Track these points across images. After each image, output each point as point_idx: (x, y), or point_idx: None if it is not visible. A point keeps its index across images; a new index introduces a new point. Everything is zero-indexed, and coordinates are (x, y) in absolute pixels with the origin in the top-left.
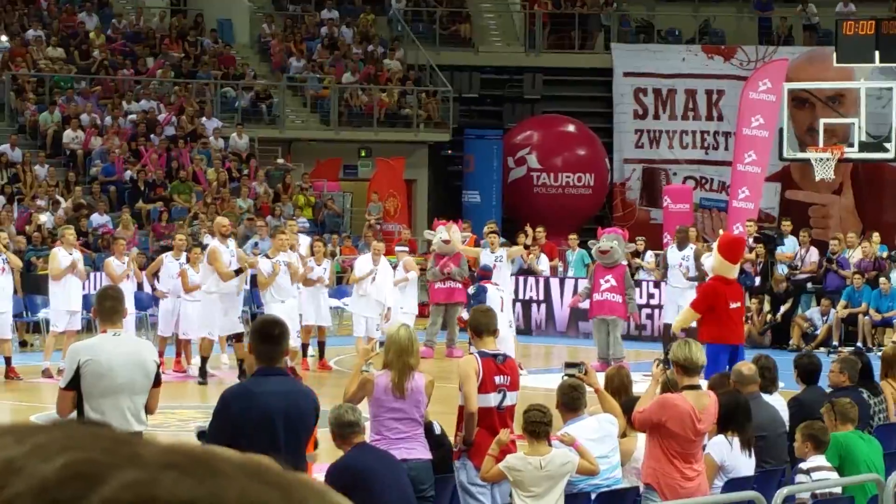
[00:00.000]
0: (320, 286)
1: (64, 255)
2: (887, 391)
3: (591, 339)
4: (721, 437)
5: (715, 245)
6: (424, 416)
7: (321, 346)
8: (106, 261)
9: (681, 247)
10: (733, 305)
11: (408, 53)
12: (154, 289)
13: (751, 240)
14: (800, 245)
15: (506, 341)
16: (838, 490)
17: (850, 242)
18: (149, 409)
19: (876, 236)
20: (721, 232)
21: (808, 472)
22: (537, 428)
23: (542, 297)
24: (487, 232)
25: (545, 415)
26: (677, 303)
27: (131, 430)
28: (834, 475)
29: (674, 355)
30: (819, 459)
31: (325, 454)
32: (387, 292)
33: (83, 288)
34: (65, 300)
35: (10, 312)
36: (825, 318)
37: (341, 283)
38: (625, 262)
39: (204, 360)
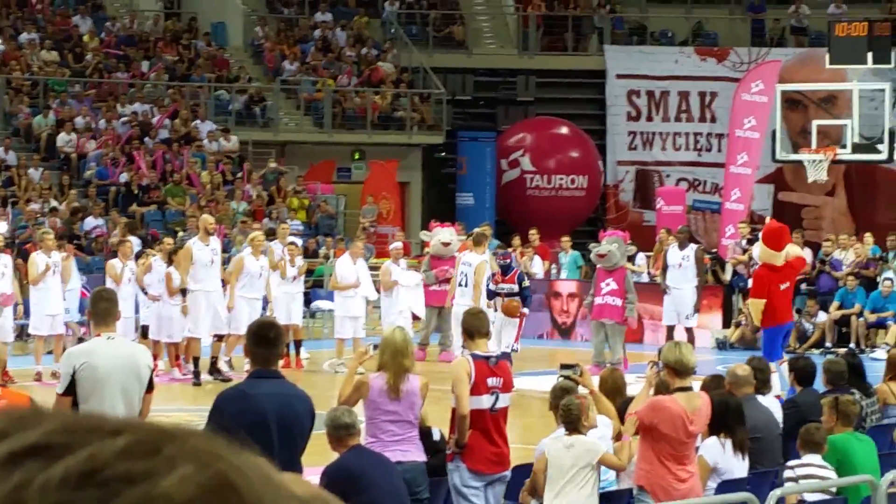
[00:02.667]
0: (296, 286)
1: (41, 259)
2: (885, 393)
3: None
4: (714, 439)
5: (760, 234)
6: (422, 420)
7: (297, 344)
8: (109, 262)
9: (682, 247)
10: (783, 287)
11: (401, 56)
12: (145, 292)
13: (744, 242)
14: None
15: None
16: (833, 491)
17: (842, 244)
18: (141, 414)
19: (868, 237)
20: (767, 220)
21: (793, 468)
22: (572, 417)
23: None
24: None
25: (569, 412)
26: (676, 304)
27: None
28: (823, 473)
29: (665, 357)
30: (809, 458)
31: (319, 457)
32: (370, 291)
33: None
34: (44, 305)
35: (11, 316)
36: (814, 318)
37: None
38: (625, 265)
39: (196, 360)
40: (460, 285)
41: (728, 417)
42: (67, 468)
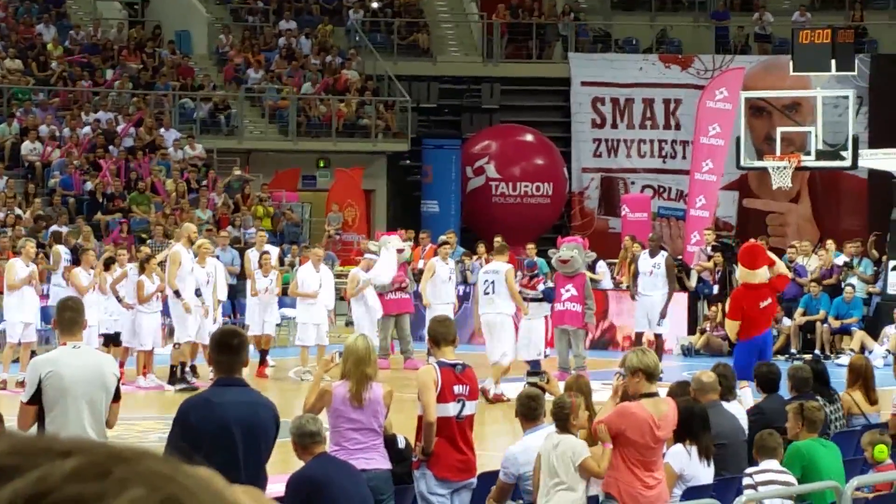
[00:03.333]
0: (270, 297)
1: (21, 267)
2: (848, 402)
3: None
4: (679, 446)
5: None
6: (385, 427)
7: (263, 353)
8: (73, 271)
9: (653, 254)
10: (763, 304)
11: (366, 64)
12: (119, 300)
13: (709, 248)
14: None
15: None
16: (798, 497)
17: (804, 250)
18: (108, 424)
19: (830, 244)
20: (735, 233)
21: (751, 475)
22: (563, 415)
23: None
24: (441, 242)
25: (563, 409)
26: (647, 311)
27: None
28: (783, 478)
29: (629, 363)
30: (766, 464)
31: (284, 465)
32: (328, 299)
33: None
34: (19, 312)
35: None
36: (778, 324)
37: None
38: (585, 271)
39: (182, 365)
40: (485, 293)
41: (693, 423)
42: (16, 491)
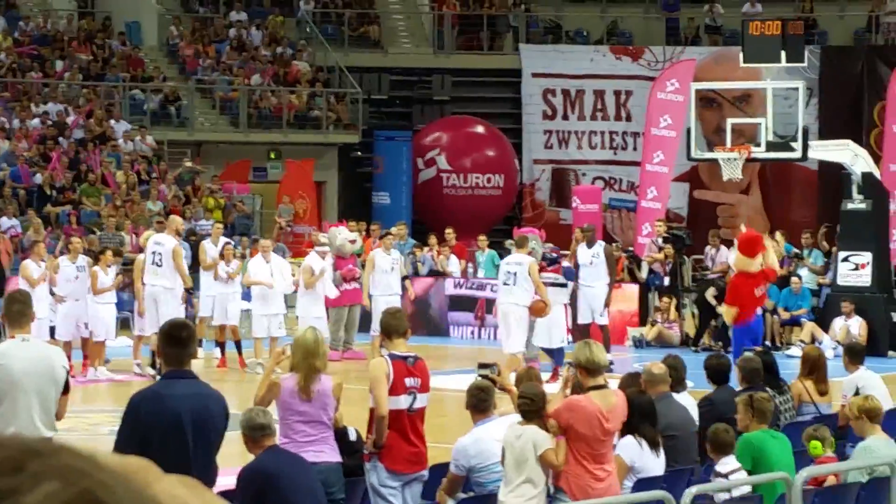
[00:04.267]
0: (232, 286)
1: (35, 268)
2: (799, 390)
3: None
4: (630, 437)
5: (735, 242)
6: (336, 419)
7: (237, 344)
8: (23, 264)
9: (590, 245)
10: (758, 291)
11: (317, 55)
12: (52, 293)
13: (660, 240)
14: (710, 244)
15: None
16: (747, 489)
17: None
18: (57, 416)
19: (779, 235)
20: (743, 229)
21: (726, 475)
22: (528, 407)
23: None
24: (395, 233)
25: (534, 402)
26: (589, 302)
27: (41, 435)
28: (741, 474)
29: (575, 357)
30: (731, 461)
31: (236, 458)
32: (285, 286)
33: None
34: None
35: None
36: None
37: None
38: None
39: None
40: (506, 284)
41: (635, 415)
42: None
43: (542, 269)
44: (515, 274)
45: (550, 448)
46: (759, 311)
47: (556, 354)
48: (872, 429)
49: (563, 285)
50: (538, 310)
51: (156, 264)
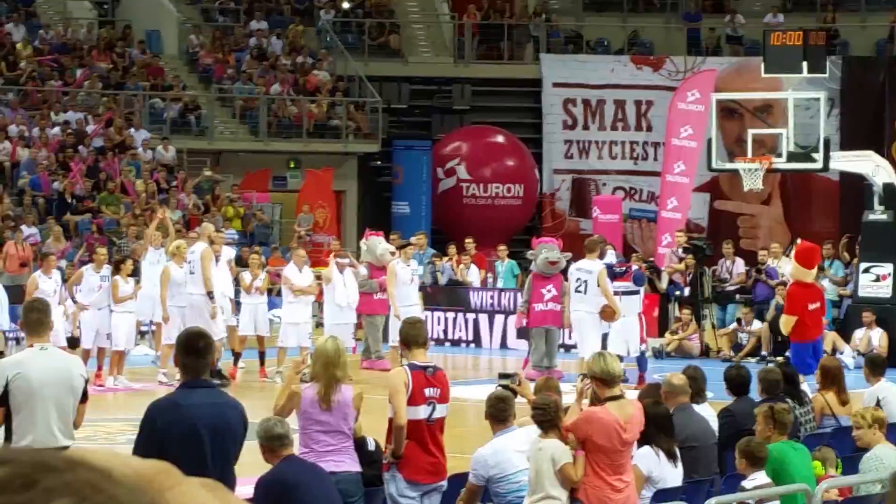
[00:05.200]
0: (258, 297)
1: (44, 280)
2: (820, 403)
3: (517, 351)
4: (648, 448)
5: (792, 253)
6: (355, 430)
7: (261, 355)
8: (31, 276)
9: (601, 256)
10: (812, 306)
11: (337, 64)
12: (75, 301)
13: (680, 250)
14: (724, 257)
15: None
16: (771, 500)
17: (774, 252)
18: (74, 425)
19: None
20: (798, 241)
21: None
22: (548, 416)
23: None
24: (414, 243)
25: (546, 411)
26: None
27: (58, 444)
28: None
29: (590, 369)
30: (760, 476)
31: (253, 467)
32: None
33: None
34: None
35: None
36: (749, 327)
37: (270, 295)
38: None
39: (237, 356)
40: (577, 291)
41: (650, 425)
42: None
43: (613, 279)
44: (587, 282)
45: (569, 462)
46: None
47: (639, 362)
48: (879, 439)
49: (636, 293)
50: (607, 315)
51: (191, 273)
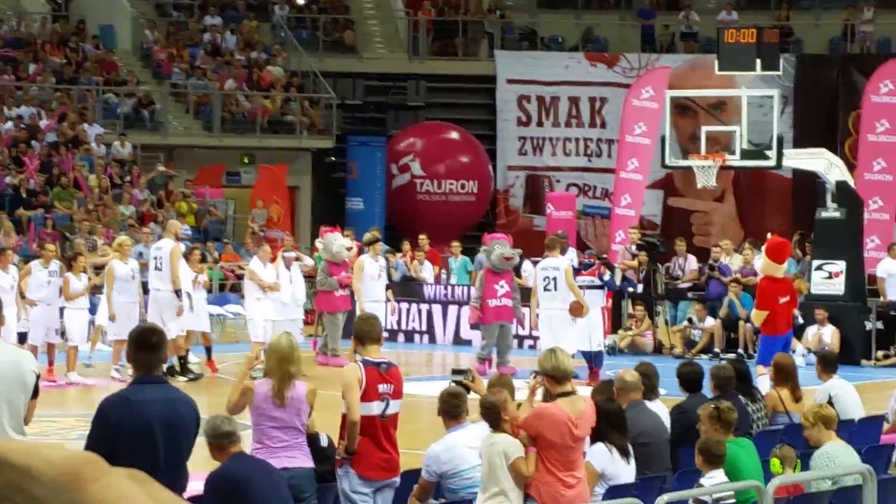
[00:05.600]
0: (199, 292)
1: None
2: (774, 399)
3: (472, 347)
4: (601, 445)
5: (763, 248)
6: (309, 426)
7: (208, 350)
8: None
9: (563, 252)
10: (783, 300)
11: (291, 60)
12: (23, 297)
13: (633, 247)
14: (677, 254)
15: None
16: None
17: (726, 249)
18: (24, 421)
19: (747, 244)
20: (769, 236)
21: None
22: (494, 413)
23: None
24: (372, 239)
25: (489, 410)
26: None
27: (9, 439)
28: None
29: (541, 365)
30: (718, 474)
31: (203, 463)
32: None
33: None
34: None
35: None
36: (702, 324)
37: (223, 291)
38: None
39: (182, 357)
40: (546, 290)
41: (601, 422)
42: None
43: (577, 273)
44: (555, 279)
45: (521, 457)
46: (792, 325)
47: (595, 358)
48: (828, 436)
49: (601, 287)
50: (576, 310)
51: (157, 269)
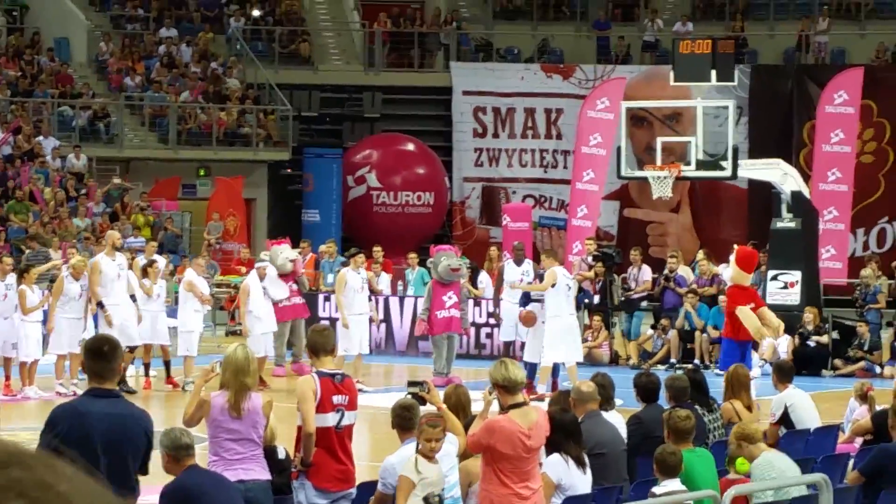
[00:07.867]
0: (158, 304)
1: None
2: (729, 412)
3: (430, 358)
4: (557, 455)
5: (732, 257)
6: (265, 438)
7: (166, 364)
8: None
9: (518, 263)
10: (748, 307)
11: (247, 72)
12: None
13: (590, 258)
14: (631, 264)
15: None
16: None
17: (677, 258)
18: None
19: (701, 254)
20: (735, 246)
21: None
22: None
23: (381, 317)
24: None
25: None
26: (514, 321)
27: None
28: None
29: (492, 376)
30: (671, 483)
31: (157, 477)
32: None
33: None
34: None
35: None
36: (666, 335)
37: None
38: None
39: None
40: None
41: (555, 433)
42: None
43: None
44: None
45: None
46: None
47: (529, 369)
48: (758, 448)
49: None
50: (528, 319)
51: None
